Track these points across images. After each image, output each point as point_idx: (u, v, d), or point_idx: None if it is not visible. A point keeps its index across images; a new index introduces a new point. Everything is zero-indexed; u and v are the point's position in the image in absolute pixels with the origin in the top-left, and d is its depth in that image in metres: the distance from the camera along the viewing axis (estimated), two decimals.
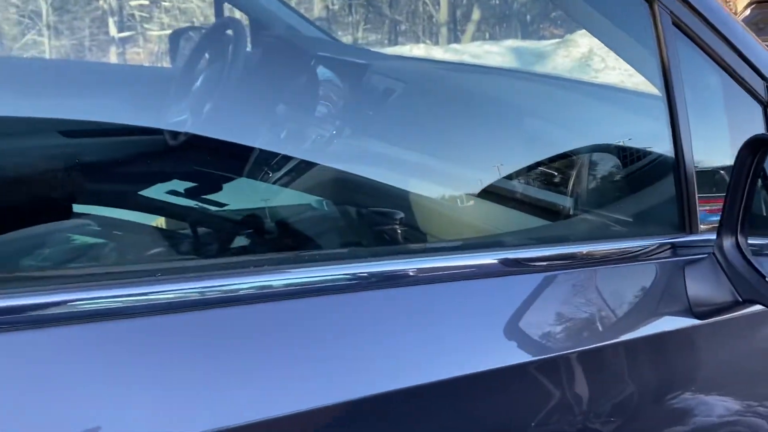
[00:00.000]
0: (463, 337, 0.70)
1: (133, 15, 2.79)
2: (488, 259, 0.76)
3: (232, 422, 0.54)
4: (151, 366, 0.54)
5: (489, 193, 1.02)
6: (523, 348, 0.74)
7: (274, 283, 0.61)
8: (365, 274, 0.67)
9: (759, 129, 0.92)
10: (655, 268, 0.85)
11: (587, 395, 0.78)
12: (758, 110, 0.91)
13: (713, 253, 0.79)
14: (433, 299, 0.70)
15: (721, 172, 0.90)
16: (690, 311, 0.82)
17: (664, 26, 0.78)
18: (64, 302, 0.53)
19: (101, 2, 2.68)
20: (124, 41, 2.67)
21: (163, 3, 2.82)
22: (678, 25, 0.79)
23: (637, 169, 0.96)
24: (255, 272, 0.62)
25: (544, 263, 0.79)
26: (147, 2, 2.83)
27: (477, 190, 1.03)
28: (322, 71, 1.29)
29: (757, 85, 0.89)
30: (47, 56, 2.36)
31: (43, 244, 0.91)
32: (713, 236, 0.80)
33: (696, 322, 0.82)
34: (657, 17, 0.78)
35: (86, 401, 0.51)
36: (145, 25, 2.78)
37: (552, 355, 0.74)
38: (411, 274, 0.69)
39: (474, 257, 0.76)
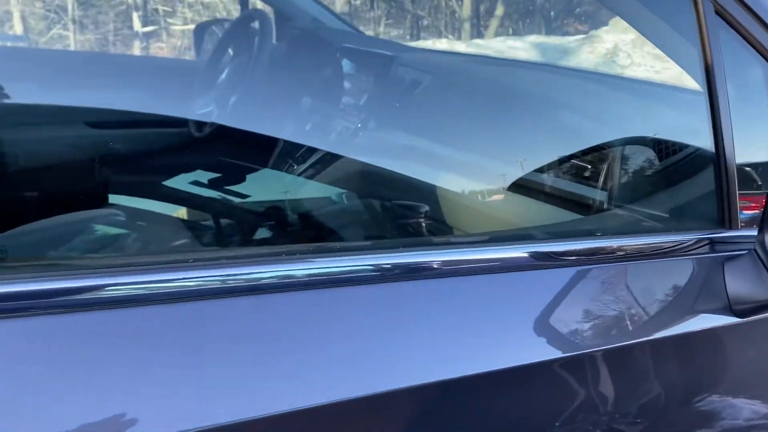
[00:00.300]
0: (488, 331, 0.68)
1: (156, 10, 2.80)
2: (516, 252, 0.74)
3: (254, 413, 0.54)
4: (173, 351, 0.54)
5: (519, 186, 1.00)
6: (550, 344, 0.72)
7: (296, 273, 0.60)
8: (389, 266, 0.66)
9: None
10: (692, 264, 0.82)
11: (615, 395, 0.76)
12: None
13: (755, 249, 0.77)
14: (459, 292, 0.68)
15: (761, 169, 0.88)
16: (729, 309, 0.79)
17: (706, 15, 0.75)
18: (90, 288, 0.52)
19: None
20: (147, 36, 2.69)
21: None
22: (721, 13, 0.76)
23: (673, 163, 0.93)
24: (277, 261, 0.61)
25: (575, 257, 0.77)
26: None
27: (506, 184, 1.01)
28: (347, 63, 1.28)
29: None
30: (74, 49, 2.38)
31: (70, 233, 0.91)
32: (753, 232, 0.78)
33: (735, 320, 0.80)
34: (698, 5, 0.75)
35: (109, 387, 0.51)
36: (169, 20, 2.80)
37: (581, 352, 0.72)
38: (436, 266, 0.67)
39: (501, 250, 0.75)
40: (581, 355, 0.72)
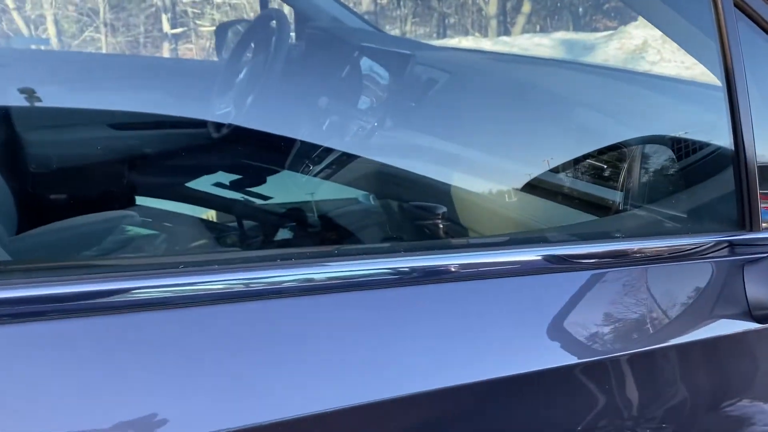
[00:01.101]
0: (506, 336, 0.67)
1: (185, 12, 2.85)
2: (534, 255, 0.73)
3: (274, 416, 0.54)
4: (194, 354, 0.54)
5: (534, 187, 0.99)
6: (568, 349, 0.71)
7: (316, 276, 0.61)
8: (407, 269, 0.66)
9: None
10: (711, 268, 0.80)
11: (637, 401, 0.74)
12: None
13: None
14: (476, 296, 0.68)
15: None
16: (749, 314, 0.77)
17: (724, 8, 0.73)
18: (112, 291, 0.53)
19: (155, 0, 2.75)
20: (176, 37, 2.73)
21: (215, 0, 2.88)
22: (740, 6, 0.74)
23: (692, 163, 0.91)
24: (298, 265, 0.62)
25: (593, 260, 0.76)
26: None
27: (522, 184, 1.00)
28: (365, 62, 1.28)
29: None
30: (104, 52, 2.43)
31: (91, 234, 0.93)
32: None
33: (755, 326, 0.77)
34: None
35: (126, 390, 0.52)
36: (197, 21, 2.84)
37: (599, 357, 0.71)
38: (453, 269, 0.67)
39: (519, 253, 0.74)
40: (601, 361, 0.71)
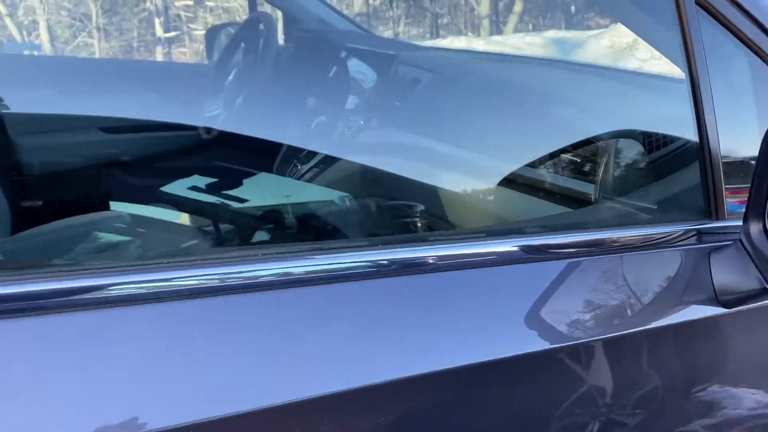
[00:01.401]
0: (483, 324, 0.69)
1: (178, 15, 2.86)
2: (509, 246, 0.75)
3: (248, 407, 0.56)
4: (172, 348, 0.56)
5: (510, 182, 1.01)
6: (543, 336, 0.73)
7: (294, 270, 0.62)
8: (386, 261, 0.68)
9: None
10: (680, 255, 0.82)
11: (611, 385, 0.76)
12: None
13: (740, 240, 0.76)
14: (454, 286, 0.69)
15: (749, 160, 0.87)
16: (716, 300, 0.79)
17: (686, 5, 0.75)
18: (92, 288, 0.55)
19: (148, 4, 2.76)
20: (170, 41, 2.74)
21: (207, 3, 2.89)
22: (701, 3, 0.76)
23: (661, 156, 0.93)
24: (276, 259, 0.63)
25: (566, 250, 0.78)
26: (191, 2, 2.90)
27: (499, 179, 1.02)
28: (352, 64, 1.30)
29: None
30: (97, 57, 2.44)
31: (73, 237, 0.94)
32: (740, 222, 0.77)
33: (722, 311, 0.79)
34: None
35: (109, 384, 0.53)
36: (191, 25, 2.85)
37: (573, 343, 0.73)
38: (431, 261, 0.69)
39: (495, 244, 0.76)
40: (577, 345, 0.73)
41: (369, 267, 0.67)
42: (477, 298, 0.71)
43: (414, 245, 0.73)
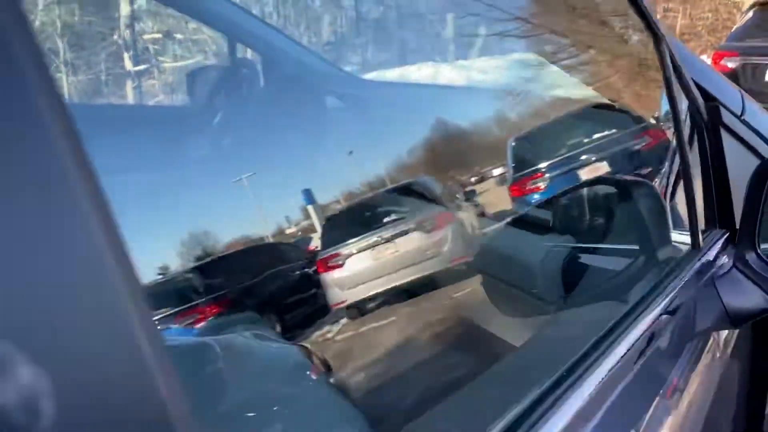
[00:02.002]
0: None
1: (147, 48, 2.86)
2: None
3: None
4: None
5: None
6: None
7: None
8: None
9: None
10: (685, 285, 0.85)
11: None
12: None
13: (735, 266, 0.81)
14: None
15: None
16: (728, 320, 0.83)
17: None
18: None
19: (116, 38, 2.75)
20: (139, 74, 2.74)
21: (176, 36, 2.89)
22: None
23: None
24: None
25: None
26: (160, 36, 2.91)
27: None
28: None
29: None
30: (65, 91, 2.42)
31: None
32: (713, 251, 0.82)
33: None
34: None
35: None
36: (160, 58, 2.85)
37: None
38: None
39: None
40: None
41: None
42: None
43: None
